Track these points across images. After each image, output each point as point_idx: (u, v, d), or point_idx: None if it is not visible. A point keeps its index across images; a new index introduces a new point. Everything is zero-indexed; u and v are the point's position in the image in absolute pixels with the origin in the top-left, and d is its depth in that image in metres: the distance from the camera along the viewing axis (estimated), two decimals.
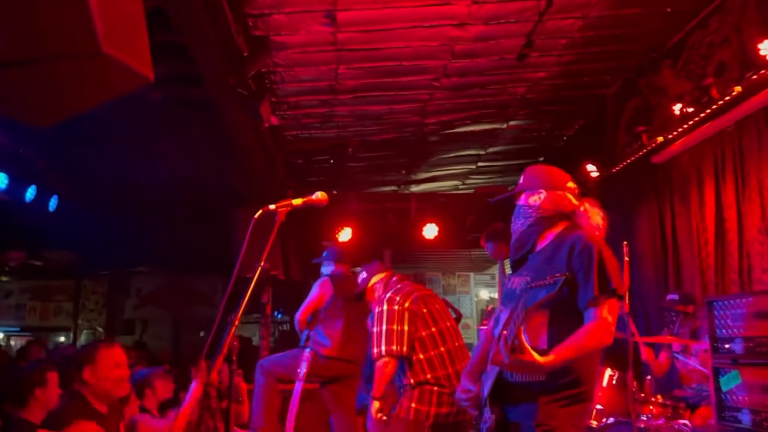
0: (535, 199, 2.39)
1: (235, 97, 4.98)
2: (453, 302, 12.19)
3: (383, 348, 3.37)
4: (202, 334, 12.96)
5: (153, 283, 13.55)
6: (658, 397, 4.16)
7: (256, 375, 4.60)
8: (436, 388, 3.38)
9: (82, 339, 13.68)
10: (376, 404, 3.42)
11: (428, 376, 3.39)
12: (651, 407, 4.08)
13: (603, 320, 2.11)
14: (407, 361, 3.42)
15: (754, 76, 4.11)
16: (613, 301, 2.16)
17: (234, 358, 1.97)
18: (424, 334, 3.46)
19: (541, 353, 2.00)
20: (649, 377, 4.37)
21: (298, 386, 4.49)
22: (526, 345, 1.94)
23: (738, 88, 4.27)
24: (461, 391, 2.44)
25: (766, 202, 4.28)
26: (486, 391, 2.27)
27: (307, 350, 4.53)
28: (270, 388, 4.56)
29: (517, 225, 2.41)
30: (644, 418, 3.93)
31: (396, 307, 3.46)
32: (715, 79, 4.50)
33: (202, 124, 6.25)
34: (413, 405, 3.35)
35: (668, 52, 5.34)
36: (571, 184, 2.45)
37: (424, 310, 3.53)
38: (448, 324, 3.62)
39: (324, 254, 5.14)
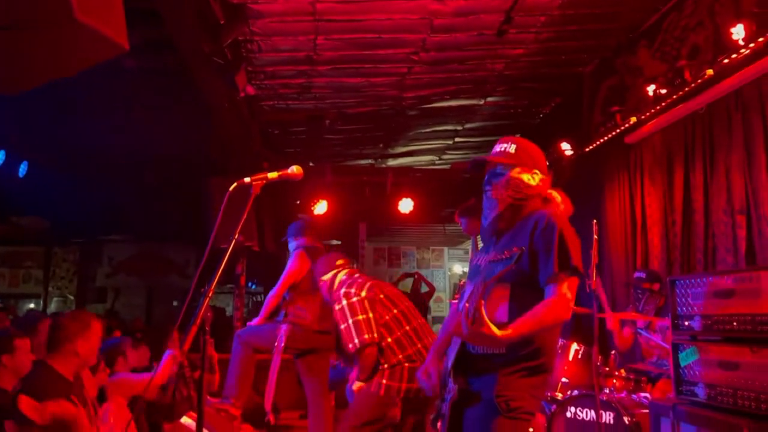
0: (529, 178, 2.37)
1: (211, 66, 4.91)
2: (427, 276, 12.27)
3: (357, 340, 3.45)
4: (175, 303, 12.94)
5: (126, 251, 13.43)
6: (621, 371, 4.30)
7: (234, 344, 4.63)
8: (407, 365, 3.47)
9: (53, 307, 13.56)
10: (358, 384, 3.52)
11: (399, 356, 3.49)
12: (614, 380, 4.22)
13: (562, 296, 2.16)
14: (377, 347, 3.50)
15: (726, 60, 4.19)
16: (574, 278, 2.20)
17: (207, 328, 1.98)
18: (387, 317, 3.56)
19: (501, 326, 2.05)
20: (613, 352, 4.51)
21: (277, 360, 4.53)
22: (486, 318, 1.99)
23: (710, 71, 4.35)
24: (422, 372, 2.50)
25: (732, 184, 4.39)
26: (450, 362, 2.33)
27: (285, 325, 4.55)
28: (247, 358, 4.59)
29: (503, 196, 2.35)
30: (607, 391, 4.07)
31: (354, 299, 3.55)
32: (689, 62, 4.57)
33: (177, 92, 6.16)
34: (384, 381, 3.45)
35: (645, 33, 5.39)
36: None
37: (381, 296, 3.62)
38: (407, 304, 3.73)
39: (288, 230, 5.03)
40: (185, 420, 3.85)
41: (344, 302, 3.56)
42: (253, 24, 5.05)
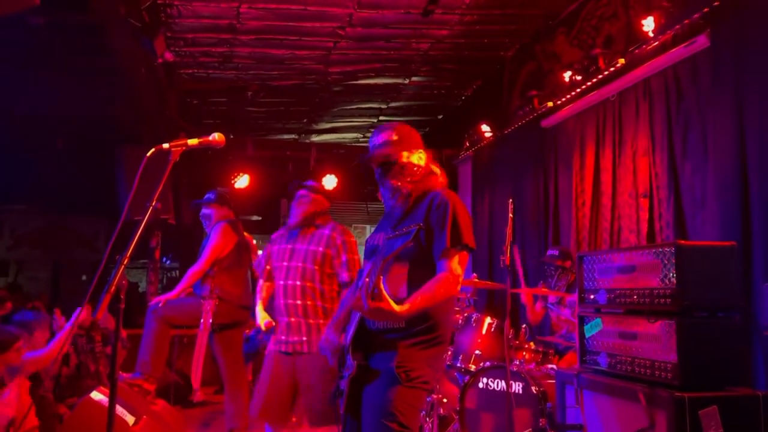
0: (418, 158, 2.48)
1: (127, 28, 4.68)
2: None
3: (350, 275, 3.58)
4: (84, 277, 12.36)
5: (30, 223, 12.67)
6: (531, 344, 4.52)
7: (147, 320, 4.47)
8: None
9: None
10: None
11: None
12: (524, 353, 4.43)
13: (451, 272, 2.26)
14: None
15: (637, 50, 4.41)
16: (464, 253, 2.32)
17: (122, 296, 1.91)
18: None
19: (401, 302, 2.13)
20: (524, 326, 4.71)
21: (204, 336, 4.43)
22: (385, 294, 2.05)
23: (622, 60, 4.57)
24: (324, 341, 2.58)
25: (638, 168, 4.65)
26: (348, 338, 2.41)
27: (210, 301, 4.43)
28: (162, 334, 4.45)
29: (403, 182, 2.44)
30: (517, 363, 4.27)
31: (354, 239, 3.73)
32: (603, 50, 4.78)
33: (89, 52, 5.83)
34: None
35: (563, 20, 5.59)
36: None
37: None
38: None
39: (207, 196, 4.77)
40: (95, 395, 3.72)
41: (353, 239, 3.69)
42: None
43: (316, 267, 3.58)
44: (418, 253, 2.32)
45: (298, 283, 3.57)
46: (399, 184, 2.44)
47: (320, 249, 3.61)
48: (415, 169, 2.46)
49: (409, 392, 2.26)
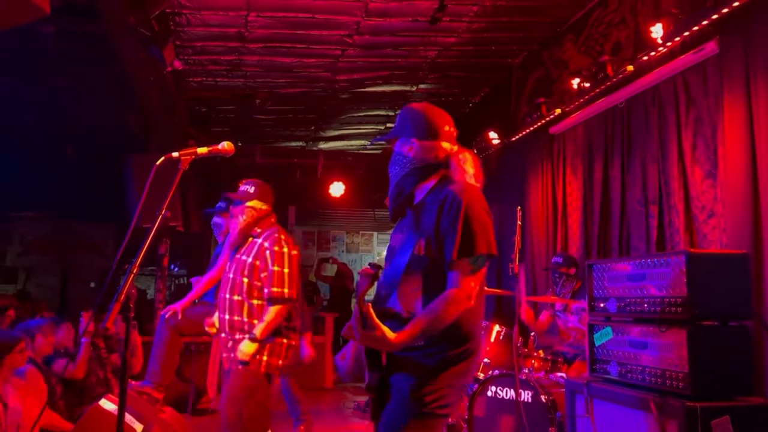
0: (408, 149, 2.21)
1: (136, 38, 4.71)
2: (355, 261, 12.41)
3: (286, 290, 3.31)
4: (92, 285, 12.40)
5: (39, 230, 12.73)
6: (540, 352, 4.50)
7: (159, 328, 4.47)
8: (285, 341, 3.40)
9: None
10: (253, 346, 3.27)
11: (284, 324, 3.38)
12: (533, 361, 4.41)
13: (461, 288, 1.99)
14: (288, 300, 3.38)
15: (645, 57, 4.40)
16: (479, 264, 2.04)
17: (132, 305, 1.91)
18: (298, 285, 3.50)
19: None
20: (533, 334, 4.69)
21: (217, 345, 4.43)
22: (376, 321, 1.87)
23: (630, 67, 4.56)
24: (340, 355, 2.36)
25: (647, 176, 4.63)
26: (363, 355, 2.16)
27: None
28: (173, 343, 4.45)
29: (393, 172, 2.25)
30: (526, 371, 4.25)
31: (285, 250, 3.39)
32: (611, 57, 4.77)
33: (99, 61, 5.87)
34: (265, 359, 3.32)
35: (571, 27, 5.58)
36: (447, 128, 2.25)
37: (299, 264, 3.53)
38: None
39: (219, 205, 4.69)
40: (104, 403, 3.72)
41: (276, 248, 3.36)
42: None
43: (245, 279, 3.34)
44: (431, 262, 2.06)
45: (227, 296, 3.39)
46: (391, 174, 2.24)
47: (249, 260, 3.37)
48: (404, 161, 2.21)
49: (424, 423, 2.02)
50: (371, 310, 1.86)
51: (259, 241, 3.41)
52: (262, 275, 3.33)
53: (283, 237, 3.43)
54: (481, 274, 2.06)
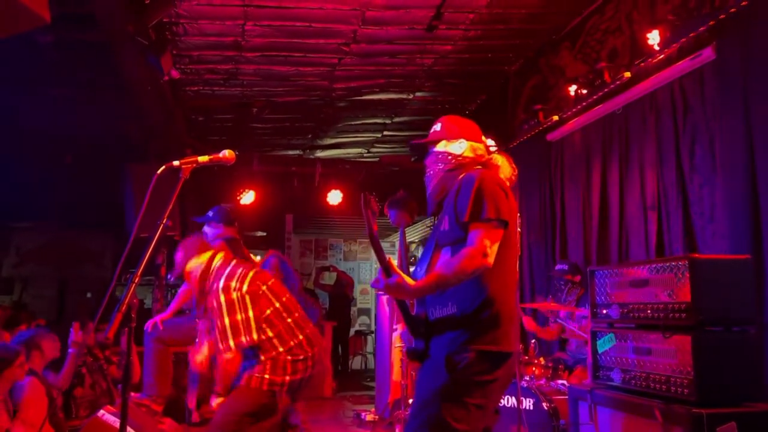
0: (456, 147, 2.48)
1: (134, 47, 4.71)
2: (353, 268, 12.37)
3: (232, 342, 3.20)
4: (89, 295, 12.33)
5: (36, 240, 12.66)
6: (541, 359, 4.48)
7: (145, 341, 4.45)
8: (289, 357, 3.31)
9: None
10: (219, 400, 3.32)
11: (280, 350, 3.29)
12: (534, 368, 4.40)
13: (475, 245, 2.18)
14: (257, 345, 3.29)
15: (642, 64, 4.42)
16: (488, 226, 2.21)
17: (133, 315, 1.90)
18: (269, 312, 3.32)
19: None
20: (533, 341, 4.68)
21: None
22: (397, 269, 2.15)
23: (627, 74, 4.58)
24: (404, 333, 2.50)
25: (645, 181, 4.64)
26: (406, 324, 2.42)
27: (205, 320, 4.40)
28: (161, 353, 4.43)
29: (434, 170, 2.49)
30: (527, 379, 4.23)
31: (235, 295, 3.25)
32: (608, 64, 4.79)
33: (96, 71, 5.86)
34: (267, 376, 3.24)
35: (568, 34, 5.60)
36: (484, 138, 2.59)
37: (263, 288, 3.37)
38: (288, 296, 3.50)
39: (211, 214, 4.65)
40: (103, 414, 3.69)
41: (222, 299, 3.24)
42: (180, 5, 4.88)
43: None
44: (456, 238, 2.29)
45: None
46: (432, 171, 2.49)
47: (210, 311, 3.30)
48: (450, 157, 2.46)
49: (456, 387, 2.16)
50: (392, 262, 2.14)
51: (217, 284, 3.33)
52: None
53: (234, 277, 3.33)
54: (496, 234, 2.23)
